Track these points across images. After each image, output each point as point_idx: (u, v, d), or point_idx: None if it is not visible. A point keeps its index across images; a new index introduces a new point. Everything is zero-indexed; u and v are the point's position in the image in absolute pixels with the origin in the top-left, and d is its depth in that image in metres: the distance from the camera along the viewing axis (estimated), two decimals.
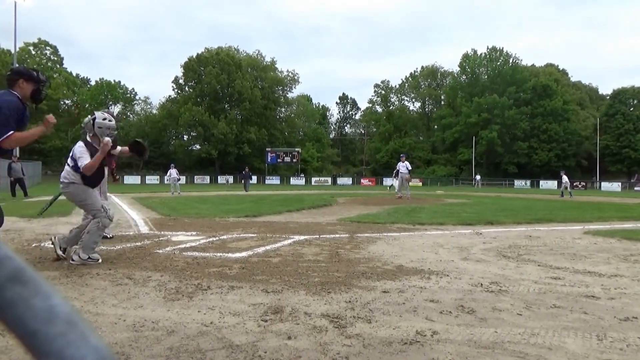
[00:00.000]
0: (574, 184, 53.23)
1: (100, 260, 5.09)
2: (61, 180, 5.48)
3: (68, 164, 5.48)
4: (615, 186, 49.91)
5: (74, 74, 65.21)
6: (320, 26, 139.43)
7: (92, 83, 68.46)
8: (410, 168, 20.77)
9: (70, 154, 5.53)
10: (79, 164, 5.38)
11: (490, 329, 2.96)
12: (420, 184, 55.34)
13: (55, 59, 61.11)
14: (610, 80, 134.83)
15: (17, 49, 39.10)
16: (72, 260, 5.07)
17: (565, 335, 2.84)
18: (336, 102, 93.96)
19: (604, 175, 60.33)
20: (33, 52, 58.19)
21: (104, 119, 5.48)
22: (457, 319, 3.17)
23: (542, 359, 2.47)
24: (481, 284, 4.18)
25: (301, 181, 56.56)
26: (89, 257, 5.11)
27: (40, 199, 15.89)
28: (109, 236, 6.78)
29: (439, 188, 41.01)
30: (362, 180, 59.57)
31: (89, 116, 5.71)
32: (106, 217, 5.41)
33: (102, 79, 68.04)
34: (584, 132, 66.43)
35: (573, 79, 79.12)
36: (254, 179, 48.40)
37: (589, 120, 68.10)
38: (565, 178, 27.45)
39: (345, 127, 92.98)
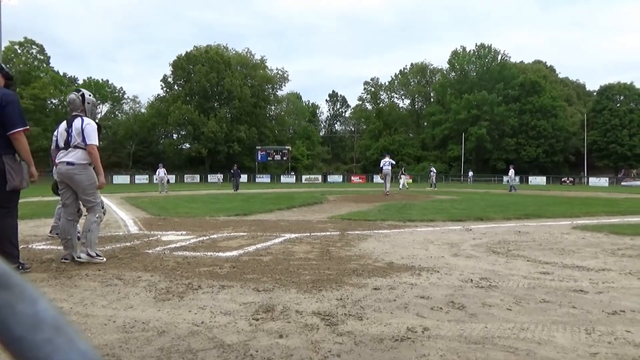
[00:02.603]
0: (562, 179, 54.09)
1: (105, 260, 4.98)
2: (72, 162, 4.92)
3: (77, 145, 4.91)
4: (603, 181, 50.63)
5: (61, 74, 64.43)
6: (310, 24, 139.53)
7: (80, 82, 67.70)
8: (393, 163, 21.40)
9: (70, 131, 4.95)
10: (93, 142, 4.90)
11: (481, 324, 2.98)
12: (410, 180, 55.55)
13: (42, 58, 60.23)
14: (597, 77, 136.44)
15: (3, 48, 38.54)
16: (80, 257, 4.90)
17: (554, 330, 2.87)
18: (326, 100, 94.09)
19: (591, 171, 61.07)
20: (19, 51, 57.31)
21: (90, 95, 5.17)
22: (447, 314, 3.19)
23: (532, 354, 2.50)
24: (471, 280, 4.20)
25: (291, 179, 56.55)
26: (97, 255, 5.00)
27: (27, 200, 15.69)
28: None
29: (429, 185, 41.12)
30: (352, 178, 59.71)
31: (74, 93, 5.20)
32: (102, 211, 5.17)
33: (90, 78, 67.46)
34: (572, 128, 67.12)
35: (561, 76, 79.97)
36: (244, 177, 48.25)
37: (576, 116, 68.86)
38: (512, 172, 28.13)
39: (335, 125, 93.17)
